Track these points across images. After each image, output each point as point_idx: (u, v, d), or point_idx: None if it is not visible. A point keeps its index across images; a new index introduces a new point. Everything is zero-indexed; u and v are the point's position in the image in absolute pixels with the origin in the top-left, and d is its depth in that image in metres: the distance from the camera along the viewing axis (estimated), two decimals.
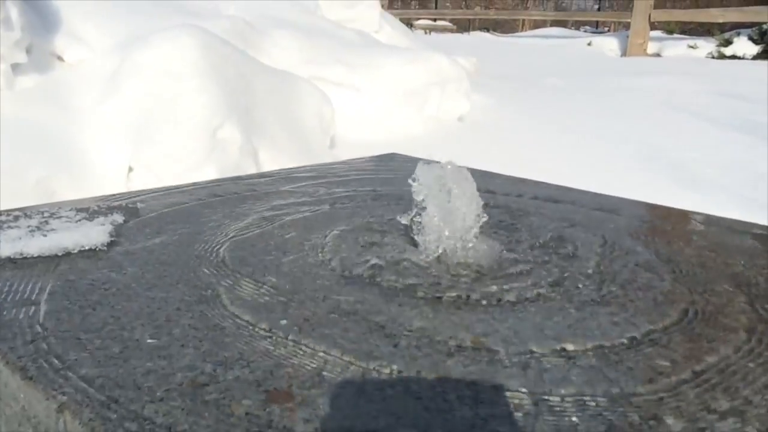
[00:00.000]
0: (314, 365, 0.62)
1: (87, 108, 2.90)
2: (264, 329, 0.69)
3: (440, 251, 0.89)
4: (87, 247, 0.88)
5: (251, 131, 2.86)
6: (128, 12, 3.48)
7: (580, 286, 0.84)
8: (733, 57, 9.16)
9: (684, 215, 1.24)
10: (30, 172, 2.42)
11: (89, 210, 1.03)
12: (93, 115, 2.85)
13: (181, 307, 0.74)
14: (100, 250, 0.89)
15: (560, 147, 3.76)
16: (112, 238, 0.92)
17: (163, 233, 0.98)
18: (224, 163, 2.64)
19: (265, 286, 0.80)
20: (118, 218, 0.99)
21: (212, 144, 2.64)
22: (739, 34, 9.55)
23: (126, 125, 2.76)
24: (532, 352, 0.66)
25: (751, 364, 0.66)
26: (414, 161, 0.95)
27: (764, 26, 9.35)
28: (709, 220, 1.20)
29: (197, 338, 0.67)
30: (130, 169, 2.71)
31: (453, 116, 4.29)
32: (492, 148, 3.66)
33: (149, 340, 0.66)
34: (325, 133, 3.43)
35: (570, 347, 0.68)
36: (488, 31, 14.61)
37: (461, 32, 15.47)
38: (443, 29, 16.26)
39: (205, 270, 0.85)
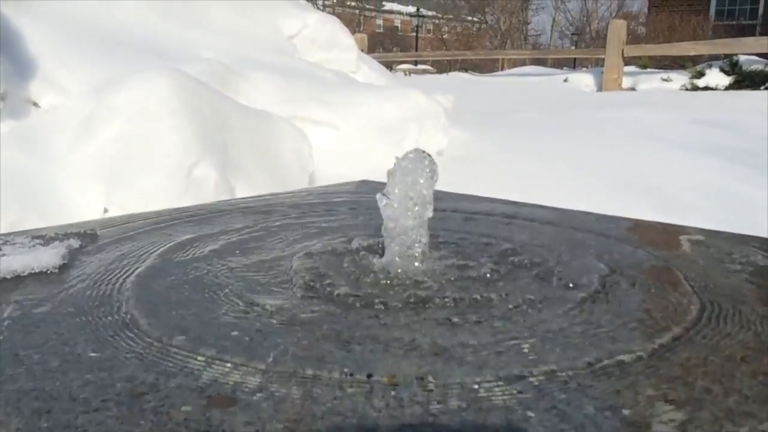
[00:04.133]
0: (262, 371, 0.60)
1: (62, 152, 2.89)
2: (212, 340, 0.67)
3: (398, 266, 0.88)
4: (37, 270, 0.85)
5: (228, 169, 2.86)
6: (104, 57, 3.51)
7: (526, 288, 0.83)
8: (706, 88, 9.36)
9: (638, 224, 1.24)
10: (2, 216, 2.39)
11: (45, 237, 1.01)
12: (68, 159, 2.84)
13: (127, 323, 0.71)
14: (51, 272, 0.87)
15: (538, 177, 3.79)
16: (65, 261, 0.90)
17: (117, 256, 0.96)
18: (200, 201, 2.62)
19: (215, 303, 0.78)
20: (74, 243, 0.97)
21: (187, 183, 2.63)
22: (711, 66, 9.79)
23: (101, 167, 2.75)
24: (487, 350, 0.65)
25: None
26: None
27: (735, 58, 9.60)
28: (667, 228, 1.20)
29: (141, 351, 0.64)
30: (105, 211, 2.68)
31: (432, 151, 4.27)
32: (471, 181, 3.66)
33: (91, 354, 0.63)
34: (304, 170, 3.43)
35: (525, 346, 0.66)
36: (466, 71, 14.89)
37: (441, 74, 15.75)
38: (423, 72, 16.56)
39: (157, 287, 0.83)
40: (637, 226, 1.28)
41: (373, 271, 0.87)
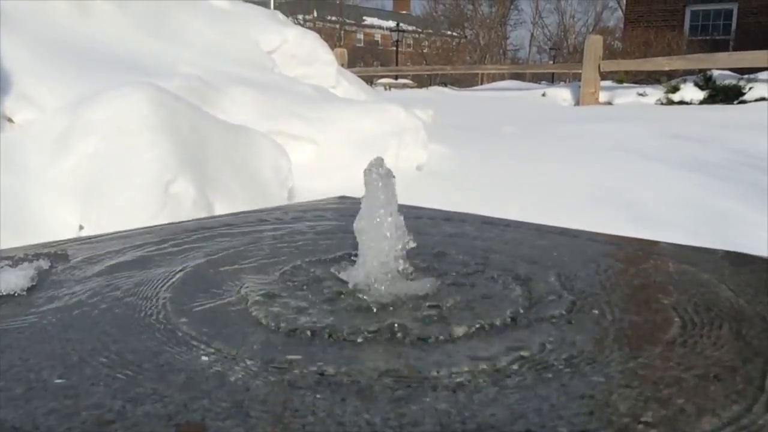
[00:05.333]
0: (233, 398, 0.59)
1: (37, 168, 2.85)
2: (181, 365, 0.66)
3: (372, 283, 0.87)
4: (5, 293, 0.83)
5: (206, 185, 2.84)
6: (80, 72, 3.48)
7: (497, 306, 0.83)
8: (681, 103, 9.53)
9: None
10: None
11: (14, 258, 0.99)
12: (43, 176, 2.80)
13: (96, 347, 0.70)
14: (19, 295, 0.85)
15: (517, 191, 3.81)
16: (34, 283, 0.88)
17: (88, 277, 0.94)
18: (178, 218, 2.59)
19: (186, 325, 0.77)
20: (44, 264, 0.95)
21: (164, 199, 2.61)
22: (685, 81, 9.97)
23: (76, 183, 2.72)
24: (462, 374, 0.64)
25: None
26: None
27: (709, 73, 9.79)
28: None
29: (110, 377, 0.63)
30: (81, 228, 2.65)
31: (411, 165, 4.33)
32: (451, 195, 3.69)
33: (57, 381, 0.62)
34: (283, 185, 3.42)
35: (501, 364, 0.66)
36: (446, 86, 14.99)
37: (421, 88, 15.84)
38: (403, 86, 16.65)
39: (130, 310, 0.81)
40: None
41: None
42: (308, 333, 0.74)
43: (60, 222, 2.63)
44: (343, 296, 0.86)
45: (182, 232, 1.26)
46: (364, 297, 0.84)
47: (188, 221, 1.44)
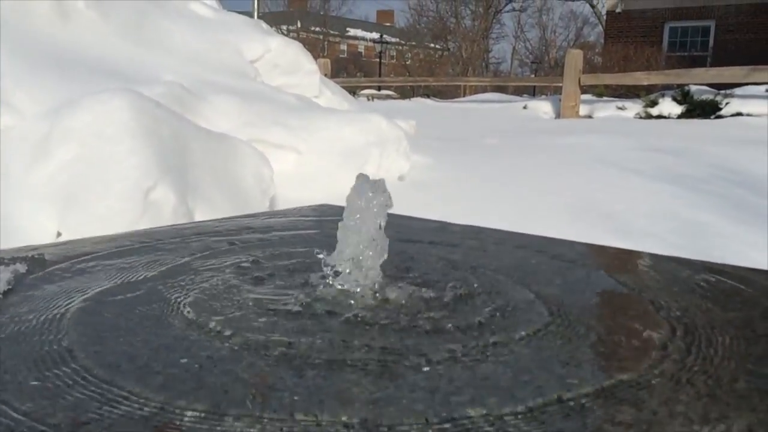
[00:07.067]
0: (213, 399, 0.59)
1: (15, 174, 2.82)
2: (159, 367, 0.66)
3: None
4: None
5: (186, 192, 2.82)
6: (61, 78, 3.45)
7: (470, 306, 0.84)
8: (659, 117, 9.67)
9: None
10: None
11: None
12: (21, 181, 2.77)
13: (74, 349, 0.70)
14: None
15: (498, 202, 3.84)
16: (10, 287, 0.87)
17: (66, 281, 0.93)
18: (158, 225, 2.58)
19: (165, 327, 0.77)
20: (21, 268, 0.95)
21: (144, 206, 2.59)
22: (663, 96, 10.13)
23: (55, 189, 2.69)
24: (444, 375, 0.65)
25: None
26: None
27: (686, 88, 9.96)
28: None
29: (88, 378, 0.63)
30: (59, 234, 2.62)
31: (393, 175, 4.34)
32: (432, 205, 3.70)
33: (33, 382, 0.62)
34: (264, 194, 3.41)
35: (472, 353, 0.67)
36: (429, 97, 15.09)
37: (404, 99, 15.93)
38: (386, 97, 16.72)
39: (107, 314, 0.81)
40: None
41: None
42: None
43: (38, 228, 2.60)
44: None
45: (163, 237, 1.26)
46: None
47: (165, 227, 1.44)
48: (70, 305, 0.83)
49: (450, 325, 0.78)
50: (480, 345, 0.72)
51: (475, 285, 0.95)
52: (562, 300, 0.90)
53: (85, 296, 0.87)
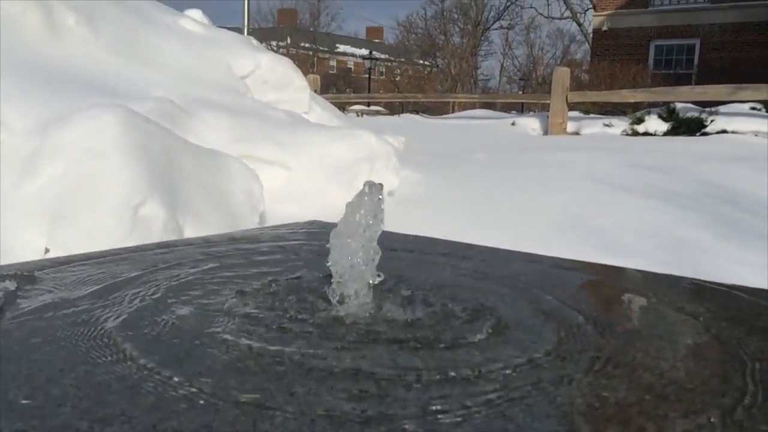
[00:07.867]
0: (204, 417, 0.59)
1: (4, 190, 2.80)
2: (151, 386, 0.66)
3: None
4: None
5: (176, 208, 2.82)
6: (50, 93, 3.45)
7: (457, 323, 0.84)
8: (646, 134, 9.78)
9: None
10: None
11: None
12: (9, 197, 2.76)
13: (64, 368, 0.69)
14: None
15: (487, 218, 3.86)
16: None
17: (55, 299, 0.93)
18: (147, 241, 2.57)
19: (150, 353, 0.77)
20: (10, 286, 0.94)
21: (133, 222, 2.58)
22: (650, 113, 10.25)
23: (44, 206, 2.68)
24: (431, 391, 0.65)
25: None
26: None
27: (672, 105, 10.08)
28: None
29: (77, 397, 0.63)
30: (47, 251, 2.60)
31: (383, 191, 4.35)
32: (422, 221, 3.71)
33: (23, 401, 0.61)
34: (254, 210, 3.41)
35: (466, 372, 0.67)
36: (418, 113, 15.17)
37: (393, 115, 16.00)
38: (376, 113, 16.80)
39: (99, 330, 0.81)
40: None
41: None
42: None
43: (26, 244, 2.58)
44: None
45: (152, 252, 1.26)
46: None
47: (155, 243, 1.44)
48: (60, 323, 0.83)
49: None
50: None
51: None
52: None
53: (77, 314, 0.87)
